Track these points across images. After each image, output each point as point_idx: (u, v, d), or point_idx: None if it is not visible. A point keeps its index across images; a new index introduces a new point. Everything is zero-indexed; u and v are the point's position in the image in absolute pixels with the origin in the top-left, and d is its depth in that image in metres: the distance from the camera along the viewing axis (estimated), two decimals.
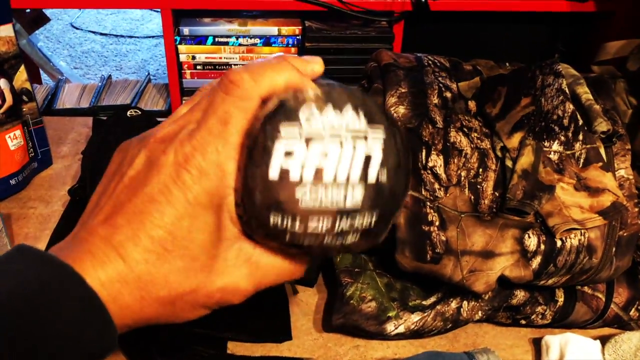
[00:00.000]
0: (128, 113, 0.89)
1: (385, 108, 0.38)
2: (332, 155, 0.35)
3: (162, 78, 2.86)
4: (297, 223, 0.35)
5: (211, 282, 0.36)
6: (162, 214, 0.34)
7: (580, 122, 0.64)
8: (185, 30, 1.69)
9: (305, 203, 0.35)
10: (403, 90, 0.67)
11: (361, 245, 0.38)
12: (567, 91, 0.66)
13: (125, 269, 0.33)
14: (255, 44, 1.75)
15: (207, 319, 0.64)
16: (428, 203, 0.61)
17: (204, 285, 0.36)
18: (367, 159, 0.36)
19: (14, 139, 0.86)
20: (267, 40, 1.76)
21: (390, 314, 0.64)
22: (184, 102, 0.40)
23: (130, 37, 3.24)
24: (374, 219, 0.37)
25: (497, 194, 0.62)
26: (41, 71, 2.32)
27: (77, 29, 3.30)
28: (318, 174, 0.35)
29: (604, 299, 0.67)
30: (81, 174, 0.86)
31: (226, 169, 0.35)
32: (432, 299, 0.66)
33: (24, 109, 0.89)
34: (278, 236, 0.36)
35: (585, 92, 0.67)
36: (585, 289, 0.67)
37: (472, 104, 0.68)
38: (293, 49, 1.76)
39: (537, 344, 0.68)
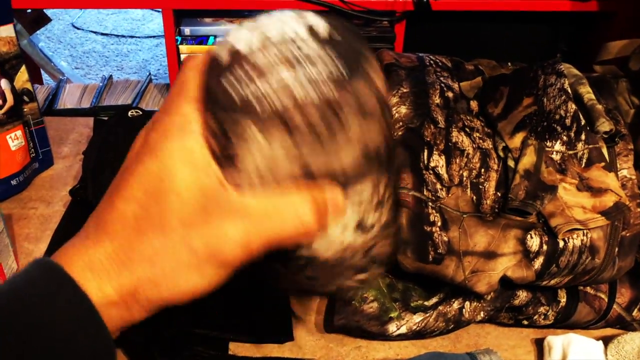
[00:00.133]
0: (129, 113, 0.89)
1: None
2: (275, 31, 0.35)
3: (163, 78, 2.86)
4: (262, 82, 0.33)
5: (192, 236, 0.34)
6: (131, 186, 0.34)
7: (583, 122, 0.64)
8: (187, 31, 1.69)
9: (261, 61, 0.33)
10: (405, 90, 0.67)
11: (346, 100, 0.34)
12: (570, 91, 0.66)
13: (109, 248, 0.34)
14: None
15: (208, 320, 0.64)
16: (430, 203, 0.61)
17: (186, 241, 0.34)
18: (312, 27, 0.35)
19: (15, 139, 0.86)
20: None
21: (392, 315, 0.64)
22: None
23: (131, 37, 3.24)
24: (340, 65, 0.34)
25: (499, 194, 0.62)
26: (42, 71, 2.32)
27: (78, 29, 3.30)
28: (265, 40, 0.34)
29: (606, 300, 0.67)
30: (82, 174, 0.86)
31: (189, 115, 0.35)
32: (434, 300, 0.66)
33: (25, 109, 0.89)
34: (250, 110, 0.33)
35: (587, 92, 0.67)
36: (588, 289, 0.67)
37: (474, 104, 0.68)
38: None
39: (539, 344, 0.68)
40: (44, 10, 2.22)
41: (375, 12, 1.69)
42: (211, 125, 0.34)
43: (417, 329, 0.65)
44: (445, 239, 0.60)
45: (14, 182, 0.87)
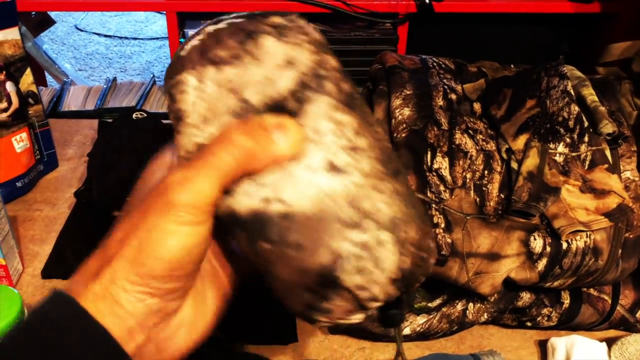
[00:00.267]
0: (134, 115, 0.89)
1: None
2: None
3: None
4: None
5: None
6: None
7: (586, 123, 0.64)
8: (190, 33, 1.70)
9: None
10: (408, 92, 0.67)
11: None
12: (573, 93, 0.66)
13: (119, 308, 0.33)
14: None
15: None
16: (433, 205, 0.61)
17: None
18: None
19: (20, 141, 0.86)
20: None
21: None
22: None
23: (135, 39, 3.25)
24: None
25: (503, 196, 0.62)
26: (46, 73, 2.33)
27: (81, 31, 3.30)
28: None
29: (610, 301, 0.67)
30: (87, 176, 0.86)
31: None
32: (438, 301, 0.66)
33: (30, 112, 0.89)
34: (183, 61, 0.34)
35: (590, 94, 0.67)
36: (591, 291, 0.67)
37: (477, 106, 0.68)
38: None
39: (542, 346, 0.68)
40: (48, 13, 2.23)
41: (378, 14, 1.70)
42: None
43: (421, 330, 0.65)
44: (449, 240, 0.60)
45: (19, 184, 0.87)
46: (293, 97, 0.33)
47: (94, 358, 0.31)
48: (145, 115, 0.90)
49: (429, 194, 0.61)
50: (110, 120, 0.94)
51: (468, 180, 0.62)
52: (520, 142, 0.64)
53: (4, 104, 0.84)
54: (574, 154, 0.63)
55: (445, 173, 0.62)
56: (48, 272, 0.75)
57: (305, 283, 0.32)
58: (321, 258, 0.31)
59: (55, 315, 0.32)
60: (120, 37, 3.26)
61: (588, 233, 0.60)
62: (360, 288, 0.32)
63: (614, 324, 0.68)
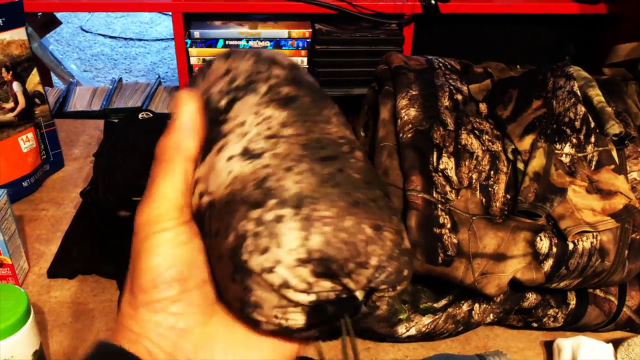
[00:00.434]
0: (139, 115, 0.89)
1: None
2: None
3: (171, 81, 2.87)
4: None
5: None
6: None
7: (592, 124, 0.64)
8: (196, 34, 1.70)
9: None
10: (414, 93, 0.67)
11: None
12: (579, 93, 0.66)
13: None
14: (265, 47, 1.76)
15: None
16: (439, 205, 0.61)
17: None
18: None
19: (27, 141, 0.87)
20: (277, 43, 1.76)
21: (401, 316, 0.64)
22: None
23: (140, 40, 3.26)
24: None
25: (509, 197, 0.62)
26: (52, 74, 2.34)
27: (86, 32, 3.32)
28: None
29: (616, 302, 0.67)
30: (93, 176, 0.87)
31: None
32: (444, 302, 0.66)
33: (37, 112, 0.90)
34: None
35: (597, 95, 0.67)
36: (598, 292, 0.67)
37: (483, 107, 0.68)
38: (303, 52, 1.76)
39: (548, 347, 0.68)
40: (54, 14, 2.24)
41: (383, 15, 1.70)
42: None
43: (427, 330, 0.65)
44: (455, 241, 0.60)
45: (25, 184, 0.88)
46: (224, 98, 0.34)
47: None
48: (151, 115, 0.90)
49: (434, 194, 0.61)
50: (116, 121, 0.95)
51: (474, 180, 0.62)
52: (526, 143, 0.64)
53: (11, 104, 0.84)
54: (580, 154, 0.63)
55: (451, 173, 0.62)
56: (54, 272, 0.75)
57: (227, 272, 0.32)
58: (229, 240, 0.31)
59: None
60: (126, 38, 3.27)
61: (594, 234, 0.60)
62: (267, 271, 0.30)
63: (620, 325, 0.68)
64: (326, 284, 0.31)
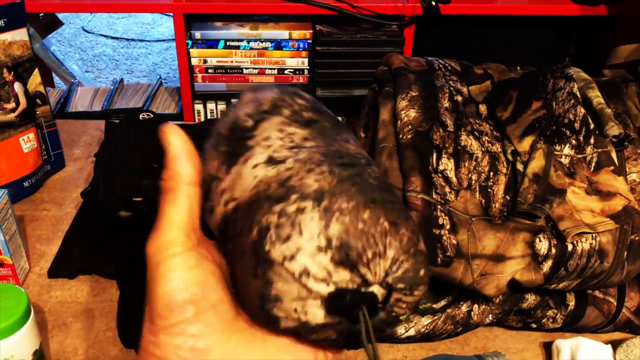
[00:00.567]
0: (140, 116, 0.89)
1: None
2: None
3: (172, 81, 2.87)
4: None
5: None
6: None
7: (592, 125, 0.64)
8: (197, 34, 1.70)
9: None
10: (414, 94, 0.67)
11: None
12: (579, 95, 0.66)
13: None
14: (266, 48, 1.76)
15: None
16: (439, 206, 0.61)
17: None
18: None
19: (28, 141, 0.87)
20: (278, 44, 1.76)
21: (400, 317, 0.64)
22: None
23: (141, 40, 3.26)
24: None
25: (508, 198, 0.62)
26: (54, 74, 2.34)
27: (88, 32, 3.32)
28: None
29: (615, 303, 0.67)
30: (94, 176, 0.87)
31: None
32: (443, 302, 0.66)
33: (38, 112, 0.90)
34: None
35: (596, 96, 0.67)
36: (597, 293, 0.67)
37: (483, 108, 0.68)
38: (304, 53, 1.76)
39: (547, 348, 0.68)
40: (56, 15, 2.24)
41: (384, 17, 1.70)
42: None
43: (426, 331, 0.65)
44: (454, 241, 0.60)
45: (26, 184, 0.88)
46: (251, 118, 0.38)
47: None
48: (152, 115, 0.90)
49: (434, 195, 0.61)
50: (117, 121, 0.95)
51: (473, 181, 0.63)
52: (526, 144, 0.64)
53: (12, 104, 0.84)
54: (579, 155, 0.63)
55: (451, 174, 0.62)
56: (54, 272, 0.76)
57: (249, 266, 0.33)
58: (253, 234, 0.33)
59: None
60: (127, 39, 3.28)
61: (593, 235, 0.60)
62: (289, 258, 0.32)
63: (619, 326, 0.68)
64: (345, 274, 0.32)
